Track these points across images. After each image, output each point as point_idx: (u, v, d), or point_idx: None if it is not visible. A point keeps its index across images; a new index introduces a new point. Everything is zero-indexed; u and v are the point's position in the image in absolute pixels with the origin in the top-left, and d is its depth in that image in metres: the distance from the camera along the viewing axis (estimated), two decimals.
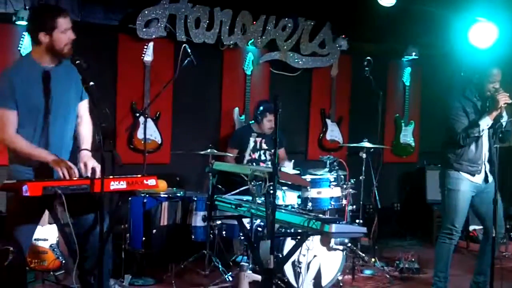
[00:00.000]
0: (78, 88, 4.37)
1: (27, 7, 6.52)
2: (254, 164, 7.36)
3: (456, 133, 5.72)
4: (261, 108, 7.48)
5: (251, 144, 7.46)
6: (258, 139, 7.49)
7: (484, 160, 5.83)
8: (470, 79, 5.88)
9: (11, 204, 4.35)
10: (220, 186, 6.64)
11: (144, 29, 7.29)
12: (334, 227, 4.93)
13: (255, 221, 6.26)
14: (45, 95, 4.29)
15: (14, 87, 4.21)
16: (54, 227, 5.63)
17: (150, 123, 7.30)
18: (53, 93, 4.32)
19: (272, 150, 5.35)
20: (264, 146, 7.50)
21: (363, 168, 7.10)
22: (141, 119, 7.11)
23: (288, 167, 7.04)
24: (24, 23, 6.51)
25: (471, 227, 8.65)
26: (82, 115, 4.58)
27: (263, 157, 7.49)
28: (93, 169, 4.26)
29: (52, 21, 4.22)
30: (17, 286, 4.37)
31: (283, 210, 5.66)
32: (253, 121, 7.67)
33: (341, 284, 6.39)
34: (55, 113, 4.34)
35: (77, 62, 4.10)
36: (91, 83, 4.04)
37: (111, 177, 4.15)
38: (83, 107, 4.56)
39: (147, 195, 6.41)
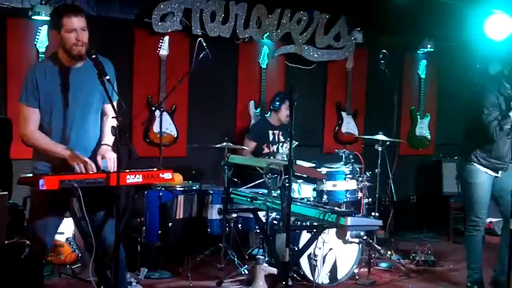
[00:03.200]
0: (99, 87, 4.38)
1: (43, 2, 6.55)
2: (272, 157, 7.36)
3: (490, 127, 5.67)
4: (279, 97, 7.47)
5: (270, 137, 7.46)
6: (276, 132, 7.49)
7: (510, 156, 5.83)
8: (503, 72, 5.84)
9: (33, 198, 4.41)
10: (235, 179, 6.66)
11: (159, 23, 7.30)
12: (349, 220, 4.93)
13: (270, 214, 6.28)
14: (65, 93, 4.33)
15: (37, 84, 4.27)
16: (70, 220, 5.65)
17: (166, 116, 7.31)
18: (74, 92, 4.35)
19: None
20: (282, 138, 7.50)
21: (379, 161, 7.09)
22: (157, 112, 7.11)
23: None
24: (40, 17, 6.55)
25: (488, 220, 8.61)
26: (108, 114, 4.57)
27: (280, 150, 7.49)
28: (109, 160, 4.31)
29: (59, 19, 4.26)
30: (33, 279, 4.41)
31: (298, 203, 5.66)
32: (269, 114, 7.67)
33: (357, 277, 6.40)
34: (76, 111, 4.38)
35: (93, 56, 4.13)
36: (107, 77, 4.07)
37: (127, 170, 4.18)
38: (109, 107, 4.49)
39: (163, 189, 6.44)
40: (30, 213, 4.48)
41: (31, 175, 4.14)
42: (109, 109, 4.52)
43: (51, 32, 4.36)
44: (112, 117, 4.05)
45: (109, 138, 4.49)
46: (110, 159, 4.33)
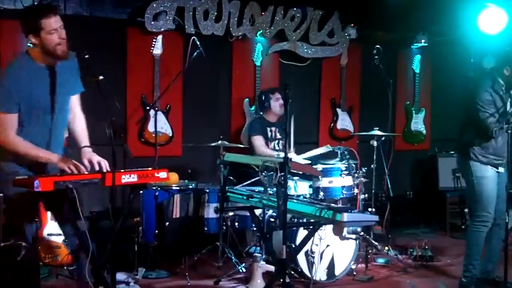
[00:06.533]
0: (75, 83, 4.47)
1: (35, 3, 6.52)
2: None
3: (488, 126, 5.65)
4: (264, 94, 7.49)
5: (269, 133, 7.46)
6: (273, 129, 7.49)
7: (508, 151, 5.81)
8: (499, 70, 5.80)
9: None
10: (231, 178, 6.64)
11: (152, 22, 7.29)
12: (345, 216, 4.92)
13: (267, 211, 6.27)
14: (50, 94, 4.32)
15: (16, 87, 4.19)
16: None
17: (160, 116, 7.31)
18: (53, 91, 4.34)
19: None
20: (278, 135, 7.49)
21: (375, 157, 7.09)
22: (152, 112, 7.12)
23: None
24: None
25: None
26: (74, 111, 4.58)
27: (277, 147, 7.48)
28: (99, 163, 4.30)
29: (36, 22, 4.18)
30: (30, 281, 4.40)
31: (294, 200, 5.65)
32: (262, 112, 7.65)
33: (354, 273, 6.40)
34: (58, 111, 4.39)
35: (86, 56, 4.12)
36: (101, 77, 4.06)
37: (122, 170, 4.18)
38: (75, 101, 4.58)
39: (159, 188, 6.43)
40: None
41: (26, 177, 4.12)
42: (75, 104, 4.56)
43: (28, 36, 4.25)
44: (109, 117, 4.03)
45: (86, 139, 4.52)
46: (98, 163, 4.33)
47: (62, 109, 4.41)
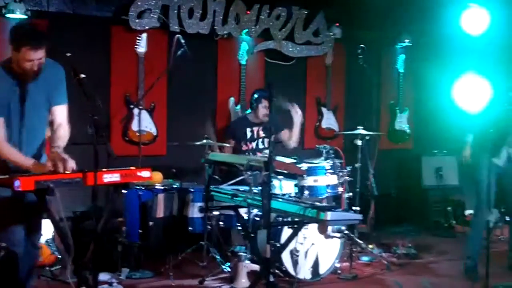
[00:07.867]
0: (50, 94, 4.47)
1: (17, 0, 6.48)
2: (250, 154, 7.33)
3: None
4: (256, 95, 7.45)
5: (248, 134, 7.43)
6: (255, 129, 7.45)
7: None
8: None
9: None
10: (216, 177, 6.63)
11: (137, 20, 7.26)
12: (329, 215, 4.93)
13: (252, 210, 6.26)
14: (20, 104, 4.35)
15: None
16: (49, 222, 5.61)
17: (145, 114, 7.28)
18: (27, 103, 4.37)
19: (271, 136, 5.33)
20: (262, 133, 7.46)
21: (359, 156, 7.10)
22: (136, 110, 7.09)
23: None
24: (14, 15, 6.47)
25: (467, 212, 8.66)
26: (60, 122, 4.55)
27: (261, 146, 7.44)
28: (63, 164, 4.21)
29: (17, 44, 4.18)
30: (10, 282, 4.37)
31: (279, 199, 5.65)
32: (249, 111, 7.63)
33: (339, 271, 6.40)
34: (28, 121, 4.40)
35: (68, 54, 4.10)
36: (82, 75, 4.04)
37: (104, 169, 4.15)
38: (60, 113, 4.56)
39: (142, 187, 6.40)
40: None
41: (6, 176, 4.09)
42: (61, 116, 4.55)
43: (11, 46, 4.25)
44: (91, 116, 4.00)
45: (60, 141, 4.48)
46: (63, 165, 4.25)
47: (32, 121, 4.43)
